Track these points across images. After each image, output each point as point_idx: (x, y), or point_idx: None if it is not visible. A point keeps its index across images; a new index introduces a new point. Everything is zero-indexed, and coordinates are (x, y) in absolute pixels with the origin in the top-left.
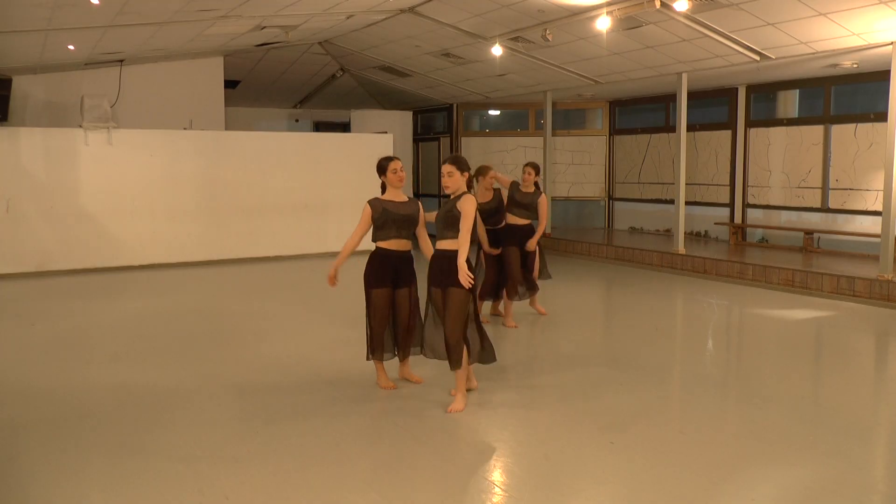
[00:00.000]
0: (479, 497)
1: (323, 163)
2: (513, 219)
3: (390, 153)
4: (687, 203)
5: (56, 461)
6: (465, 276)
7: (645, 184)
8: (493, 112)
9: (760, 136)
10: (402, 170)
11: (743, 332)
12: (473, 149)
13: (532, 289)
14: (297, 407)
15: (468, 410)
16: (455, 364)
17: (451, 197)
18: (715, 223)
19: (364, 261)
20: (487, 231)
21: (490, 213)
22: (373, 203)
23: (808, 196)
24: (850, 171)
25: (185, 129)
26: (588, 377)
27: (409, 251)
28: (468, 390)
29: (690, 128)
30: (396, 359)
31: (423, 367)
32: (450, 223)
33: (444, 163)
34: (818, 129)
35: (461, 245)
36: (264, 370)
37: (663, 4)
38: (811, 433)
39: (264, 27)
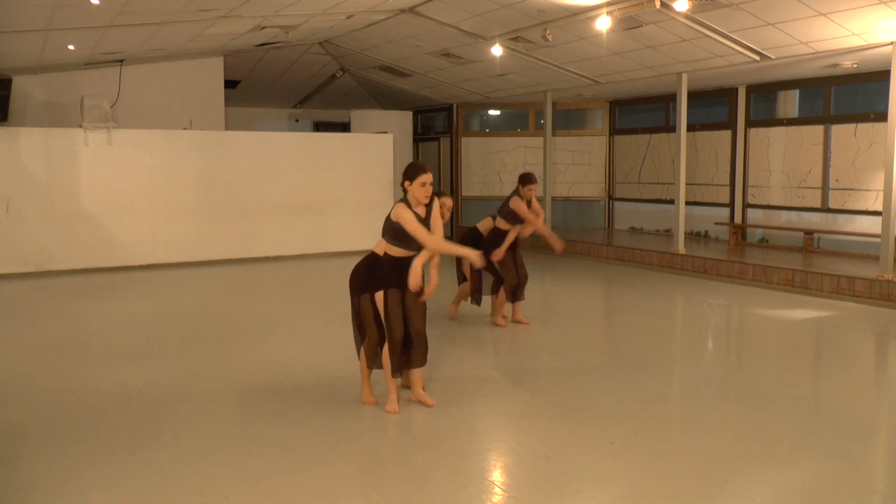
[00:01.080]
0: (480, 497)
1: (323, 163)
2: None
3: (390, 153)
4: (687, 203)
5: (56, 461)
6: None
7: (645, 184)
8: (493, 112)
9: (760, 136)
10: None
11: (743, 332)
12: (473, 149)
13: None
14: (297, 407)
15: (468, 411)
16: (425, 359)
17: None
18: (715, 223)
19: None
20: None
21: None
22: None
23: (808, 196)
24: (850, 171)
25: (185, 129)
26: (588, 377)
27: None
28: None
29: (690, 128)
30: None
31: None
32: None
33: (426, 172)
34: (818, 129)
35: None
36: (264, 370)
37: (663, 4)
38: (811, 433)
39: (264, 27)
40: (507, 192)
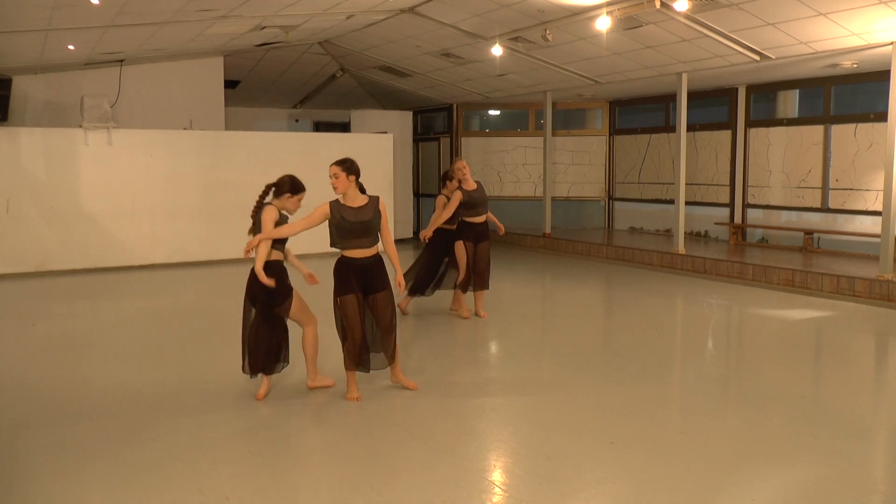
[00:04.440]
0: (479, 497)
1: (323, 163)
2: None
3: (390, 153)
4: (687, 203)
5: (56, 461)
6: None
7: (645, 184)
8: (493, 112)
9: (760, 136)
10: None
11: (743, 332)
12: (473, 149)
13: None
14: (296, 406)
15: (468, 411)
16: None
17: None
18: (715, 223)
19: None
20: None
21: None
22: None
23: (808, 196)
24: (850, 171)
25: (185, 129)
26: (588, 377)
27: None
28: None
29: (690, 128)
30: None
31: (420, 366)
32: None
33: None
34: (818, 129)
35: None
36: None
37: (663, 4)
38: (811, 433)
39: (264, 27)
40: (507, 192)
